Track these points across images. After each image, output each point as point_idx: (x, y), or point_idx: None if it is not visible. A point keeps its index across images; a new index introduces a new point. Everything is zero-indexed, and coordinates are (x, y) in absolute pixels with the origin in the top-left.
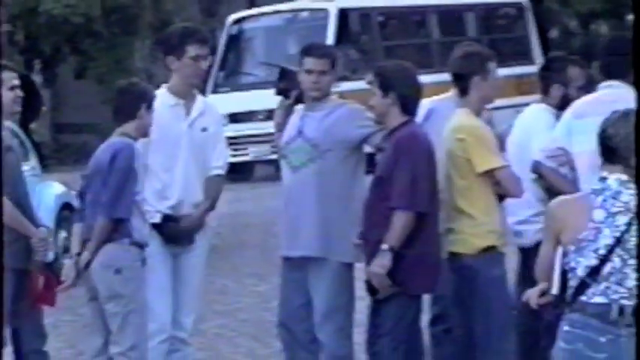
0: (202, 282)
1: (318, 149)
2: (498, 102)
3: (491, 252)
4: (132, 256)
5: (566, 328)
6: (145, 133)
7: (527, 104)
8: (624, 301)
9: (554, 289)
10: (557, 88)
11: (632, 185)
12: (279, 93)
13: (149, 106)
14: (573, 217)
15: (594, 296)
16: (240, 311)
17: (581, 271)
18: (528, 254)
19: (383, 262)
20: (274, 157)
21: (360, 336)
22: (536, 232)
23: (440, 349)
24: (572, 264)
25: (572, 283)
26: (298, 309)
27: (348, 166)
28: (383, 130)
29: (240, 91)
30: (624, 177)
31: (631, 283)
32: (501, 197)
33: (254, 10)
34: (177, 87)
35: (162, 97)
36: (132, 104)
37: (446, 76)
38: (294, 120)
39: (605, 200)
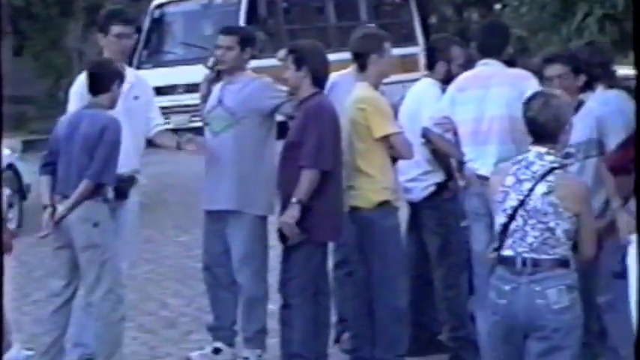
0: (135, 232)
1: (235, 117)
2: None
3: (386, 206)
4: (105, 212)
5: (491, 279)
6: (114, 105)
7: (411, 80)
8: (525, 254)
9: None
10: (441, 65)
11: (550, 157)
12: (209, 68)
13: (121, 82)
14: (497, 183)
15: (505, 250)
16: (165, 258)
17: (497, 229)
18: (417, 208)
19: (292, 213)
20: (193, 125)
21: (273, 279)
22: (423, 188)
23: (342, 290)
24: (495, 223)
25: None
26: (219, 255)
27: (261, 131)
28: (292, 100)
29: (162, 67)
30: (543, 150)
31: (530, 239)
32: (394, 159)
33: None
34: None
35: None
36: (108, 79)
37: (342, 55)
38: (215, 92)
39: (518, 169)
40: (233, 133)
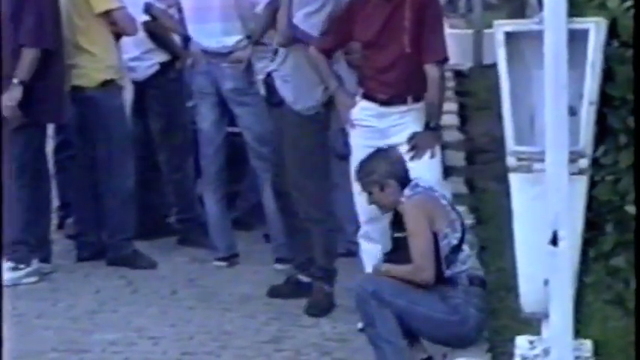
0: None
1: None
2: None
3: (110, 85)
4: None
5: None
6: None
7: None
8: None
9: None
10: None
11: None
12: None
13: None
14: None
15: None
16: None
17: None
18: (141, 87)
19: (13, 94)
20: None
21: None
22: (147, 67)
23: (65, 174)
24: None
25: None
26: None
27: None
28: None
29: None
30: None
31: None
32: (118, 36)
33: None
34: None
35: None
36: None
37: None
38: None
39: None
40: None
